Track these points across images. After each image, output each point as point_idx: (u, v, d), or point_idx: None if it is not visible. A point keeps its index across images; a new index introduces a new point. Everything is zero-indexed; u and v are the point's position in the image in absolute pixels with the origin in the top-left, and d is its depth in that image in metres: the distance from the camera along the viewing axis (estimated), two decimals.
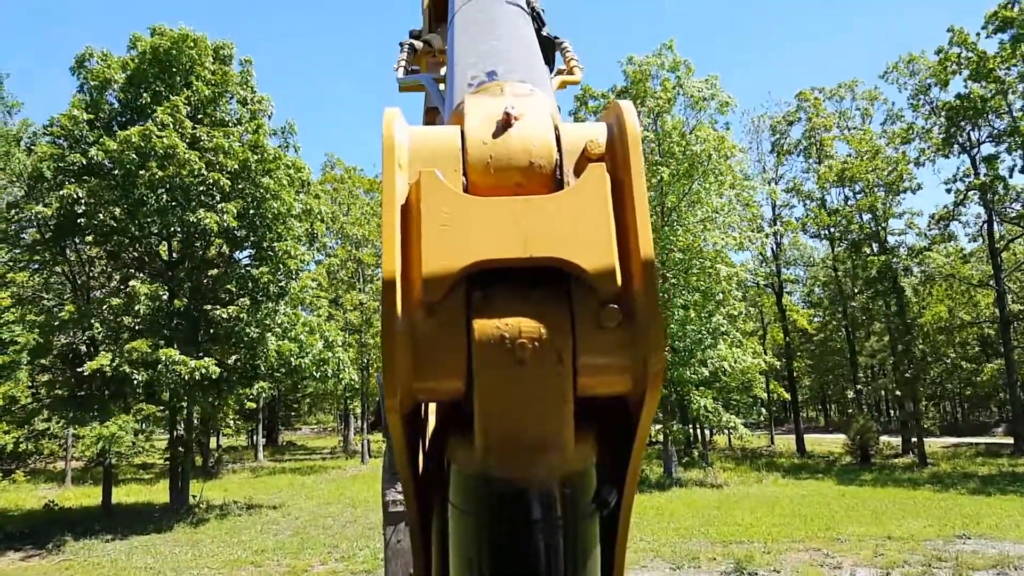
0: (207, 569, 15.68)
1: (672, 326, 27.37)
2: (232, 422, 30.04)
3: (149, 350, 19.16)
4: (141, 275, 22.17)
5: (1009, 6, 31.08)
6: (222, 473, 36.12)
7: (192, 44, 22.38)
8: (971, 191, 35.04)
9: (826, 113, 44.60)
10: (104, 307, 20.44)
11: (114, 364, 18.99)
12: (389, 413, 0.90)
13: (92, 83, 22.03)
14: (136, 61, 22.08)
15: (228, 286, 22.18)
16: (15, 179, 24.21)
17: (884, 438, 40.69)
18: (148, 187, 20.69)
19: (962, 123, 34.25)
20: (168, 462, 24.17)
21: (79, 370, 19.63)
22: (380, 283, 0.91)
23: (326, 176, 47.04)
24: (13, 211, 22.46)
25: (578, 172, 0.99)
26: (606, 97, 32.11)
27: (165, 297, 21.18)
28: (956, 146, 35.39)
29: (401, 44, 2.91)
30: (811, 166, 44.83)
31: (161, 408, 22.45)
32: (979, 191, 34.40)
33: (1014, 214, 35.32)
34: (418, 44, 2.98)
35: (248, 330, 21.54)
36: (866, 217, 39.79)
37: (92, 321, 20.30)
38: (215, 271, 22.80)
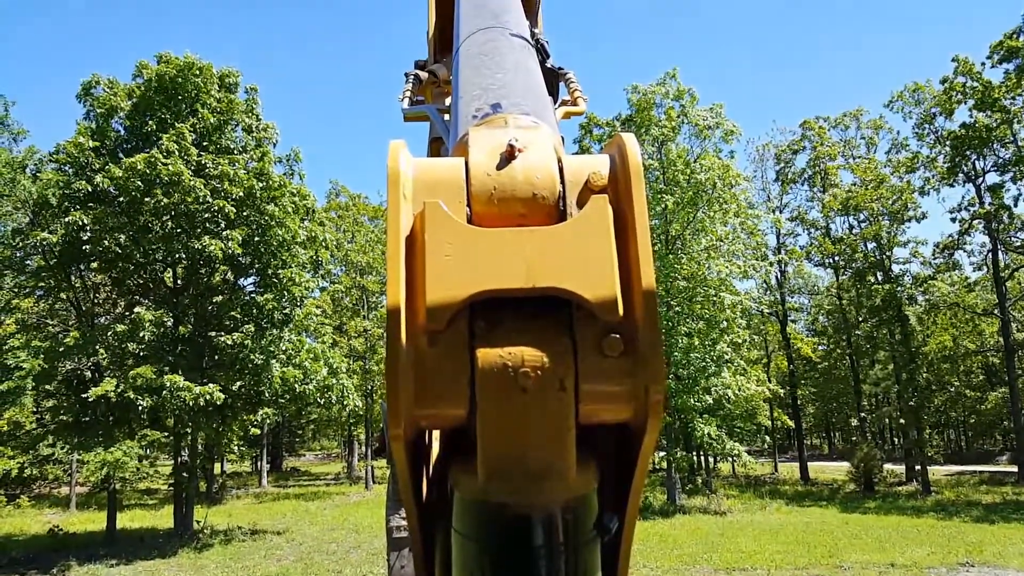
0: None
1: (676, 354, 27.25)
2: (236, 448, 29.85)
3: (154, 376, 19.14)
4: (146, 302, 22.23)
5: (1015, 36, 31.32)
6: (226, 499, 35.86)
7: (198, 72, 22.65)
8: (976, 220, 35.02)
9: (831, 142, 44.76)
10: (109, 333, 20.45)
11: (119, 390, 18.96)
12: (393, 440, 0.91)
13: (98, 110, 22.28)
14: (142, 89, 22.33)
15: (233, 313, 22.20)
16: (20, 206, 24.36)
17: (888, 466, 40.29)
18: (153, 214, 20.82)
19: (967, 152, 34.31)
20: (172, 488, 24.02)
21: (84, 396, 19.60)
22: (385, 311, 0.93)
23: (331, 203, 47.27)
24: (18, 238, 22.57)
25: (581, 203, 1.00)
26: (611, 126, 32.32)
27: (170, 324, 21.22)
28: (961, 175, 35.43)
29: (406, 75, 2.94)
30: (816, 195, 44.92)
31: (166, 434, 22.37)
32: (984, 220, 34.38)
33: (1019, 243, 35.27)
34: (423, 75, 3.01)
35: (252, 356, 21.52)
36: (871, 246, 39.76)
37: (97, 347, 20.32)
38: (220, 298, 22.84)
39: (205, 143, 22.76)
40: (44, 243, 20.91)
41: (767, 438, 39.95)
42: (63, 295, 23.56)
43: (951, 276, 38.99)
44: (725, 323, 27.80)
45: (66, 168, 21.55)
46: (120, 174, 20.26)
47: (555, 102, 2.55)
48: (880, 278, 38.87)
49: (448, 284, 0.89)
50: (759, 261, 33.12)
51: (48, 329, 23.48)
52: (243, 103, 24.09)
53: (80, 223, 20.35)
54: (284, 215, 22.68)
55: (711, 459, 40.89)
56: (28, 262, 23.22)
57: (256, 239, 22.30)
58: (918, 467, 36.36)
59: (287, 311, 22.73)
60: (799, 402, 48.55)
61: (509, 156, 1.04)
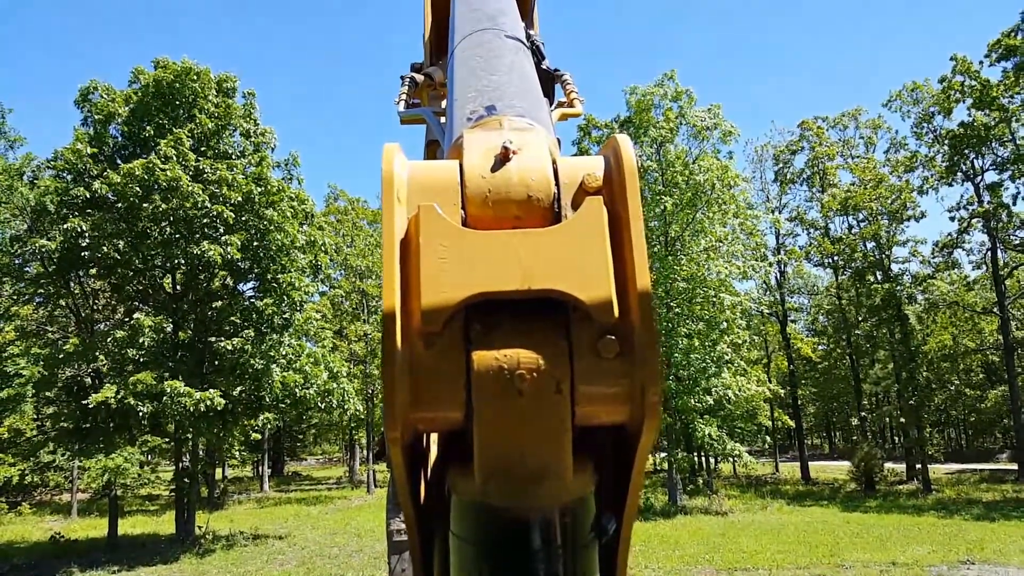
0: None
1: (676, 355, 27.26)
2: (238, 453, 29.83)
3: (154, 382, 19.13)
4: (145, 307, 22.22)
5: (1013, 35, 31.34)
6: (228, 504, 35.81)
7: (195, 77, 22.65)
8: (975, 219, 35.04)
9: (829, 142, 44.77)
10: (108, 340, 20.44)
11: (119, 396, 18.95)
12: (390, 444, 0.91)
13: (96, 116, 22.27)
14: (139, 94, 22.33)
15: (232, 318, 22.18)
16: (18, 213, 24.36)
17: (888, 465, 40.28)
18: (152, 220, 20.81)
19: (966, 151, 34.32)
20: (173, 493, 23.99)
21: (84, 402, 19.59)
22: (383, 314, 0.93)
23: (330, 208, 47.27)
24: (17, 245, 22.56)
25: (576, 205, 1.00)
26: (609, 127, 32.34)
27: (169, 329, 21.20)
28: (960, 174, 35.44)
29: (402, 78, 2.95)
30: (814, 195, 44.93)
31: (166, 440, 22.36)
32: (983, 219, 34.39)
33: (1018, 241, 35.28)
34: (419, 77, 3.01)
35: (253, 361, 21.50)
36: (870, 245, 39.77)
37: (97, 354, 20.30)
38: (219, 303, 22.83)
39: (203, 148, 22.76)
40: (43, 250, 20.91)
41: (768, 438, 39.94)
42: (62, 302, 23.55)
43: (950, 275, 38.99)
44: (725, 324, 27.81)
45: (64, 175, 21.54)
46: (118, 180, 20.26)
47: (551, 104, 2.55)
48: (879, 277, 38.88)
49: (443, 286, 0.89)
50: (758, 262, 33.14)
51: (48, 336, 23.47)
52: (241, 108, 24.09)
53: (79, 229, 20.34)
54: (283, 220, 22.66)
55: (712, 460, 40.88)
56: (27, 269, 23.22)
57: (255, 244, 22.29)
58: (919, 466, 36.37)
59: (287, 316, 22.70)
60: (799, 402, 48.52)
61: (504, 158, 1.04)
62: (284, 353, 22.59)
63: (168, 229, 21.20)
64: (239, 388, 21.80)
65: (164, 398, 19.00)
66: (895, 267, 39.75)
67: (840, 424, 65.31)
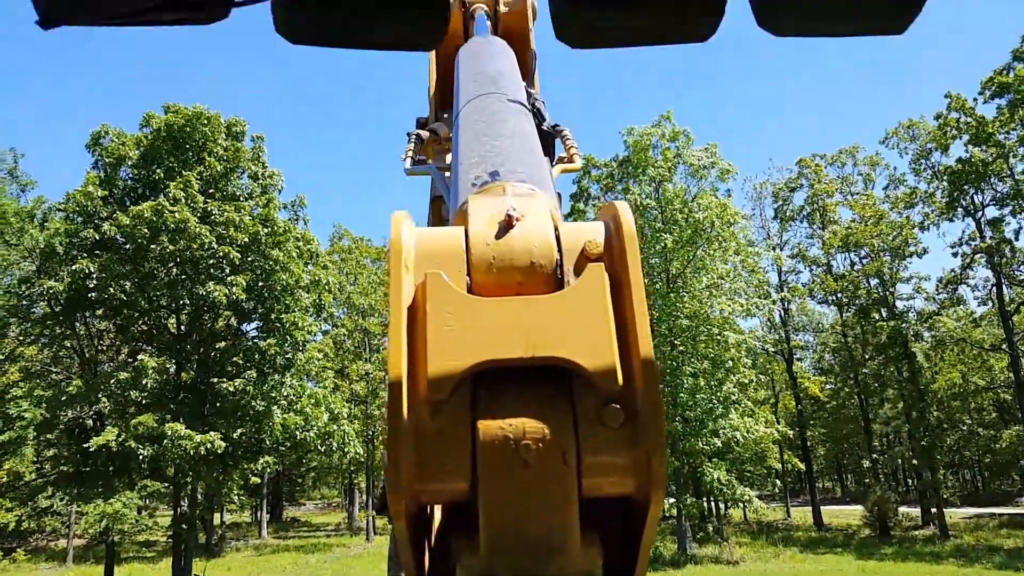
0: None
1: (682, 395, 27.07)
2: (236, 498, 29.51)
3: (155, 424, 19.05)
4: (149, 348, 22.26)
5: (1004, 72, 31.78)
6: (225, 551, 35.27)
7: (206, 121, 23.07)
8: (978, 254, 35.08)
9: (828, 179, 45.11)
10: (112, 381, 20.43)
11: (120, 439, 18.85)
12: (395, 517, 0.90)
13: (107, 160, 22.63)
14: (150, 138, 22.72)
15: (235, 358, 22.21)
16: (27, 255, 24.58)
17: (903, 508, 39.54)
18: (159, 261, 20.99)
19: (965, 187, 34.52)
20: (171, 539, 23.66)
21: (85, 445, 19.48)
22: (386, 353, 0.95)
23: (334, 247, 47.62)
24: (25, 286, 22.73)
25: (578, 271, 1.03)
26: (608, 166, 32.71)
27: (172, 370, 21.20)
28: (960, 209, 35.58)
29: (408, 135, 3.08)
30: (815, 232, 45.10)
31: (165, 484, 22.15)
32: (986, 254, 34.43)
33: (1023, 277, 35.26)
34: (424, 134, 3.16)
35: (254, 403, 21.45)
36: (873, 282, 39.77)
37: (99, 395, 20.27)
38: (223, 344, 22.87)
39: (211, 190, 23.05)
40: (50, 291, 21.06)
41: (778, 482, 39.38)
42: (67, 343, 23.61)
43: (956, 311, 38.87)
44: (730, 362, 27.65)
45: (74, 217, 21.80)
46: (127, 222, 20.50)
47: (552, 160, 2.64)
48: (884, 315, 38.76)
49: (450, 354, 0.90)
50: (761, 299, 33.10)
51: (51, 377, 23.47)
52: (250, 151, 24.48)
53: (87, 271, 20.52)
54: (288, 260, 22.85)
55: (722, 505, 40.32)
56: (34, 310, 23.34)
57: (260, 284, 22.45)
58: (934, 509, 35.68)
59: (289, 356, 22.73)
60: (809, 443, 47.92)
61: (507, 225, 1.07)
62: (285, 394, 22.56)
63: (175, 270, 21.37)
64: (240, 430, 21.69)
65: (165, 441, 18.90)
66: (900, 304, 39.67)
67: (851, 466, 64.46)
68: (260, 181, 24.68)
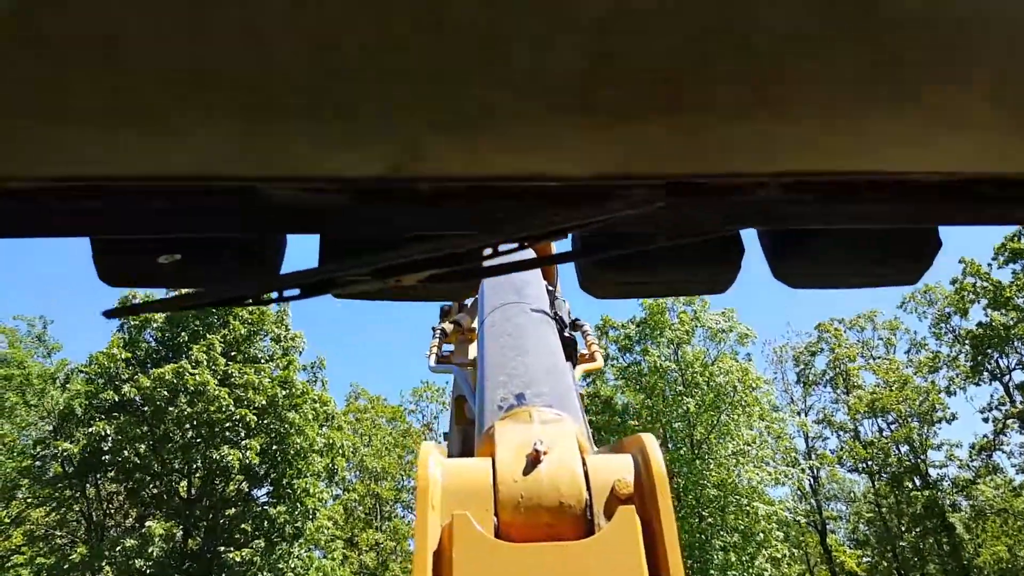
0: None
1: (712, 572, 25.51)
2: None
3: None
4: (158, 513, 21.67)
5: (1016, 238, 32.40)
6: None
7: None
8: (1009, 419, 34.16)
9: (848, 343, 44.95)
10: (117, 548, 19.71)
11: None
12: None
13: (132, 322, 23.11)
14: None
15: (244, 525, 21.49)
16: (46, 415, 24.60)
17: None
18: (175, 423, 20.89)
19: (988, 351, 34.25)
20: None
21: None
22: (397, 522, 0.89)
23: (349, 407, 47.31)
24: (39, 447, 22.52)
25: (608, 512, 1.03)
26: (625, 328, 32.94)
27: (179, 537, 20.48)
28: (986, 373, 35.08)
29: (433, 329, 3.22)
30: (840, 396, 44.34)
31: None
32: (1018, 419, 33.52)
33: None
34: (448, 327, 3.27)
35: (260, 575, 20.45)
36: (903, 449, 38.53)
37: (103, 563, 19.47)
38: (232, 510, 22.21)
39: (233, 352, 23.31)
40: (64, 453, 20.80)
41: None
42: (76, 506, 23.04)
43: (994, 479, 37.25)
44: (761, 535, 26.29)
45: (95, 378, 21.97)
46: (148, 384, 20.60)
47: (575, 360, 2.70)
48: (918, 483, 37.21)
49: None
50: (789, 467, 32.05)
51: (55, 541, 22.68)
52: (274, 314, 24.97)
53: (103, 433, 20.41)
54: (304, 423, 22.68)
55: None
56: (46, 470, 22.95)
57: (274, 448, 22.15)
58: None
59: (299, 524, 21.96)
60: None
61: (535, 460, 1.08)
62: (293, 566, 21.54)
63: (190, 432, 21.22)
64: None
65: None
66: (933, 472, 38.12)
67: None
68: (282, 343, 24.98)
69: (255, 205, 1.05)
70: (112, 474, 22.43)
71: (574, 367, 2.74)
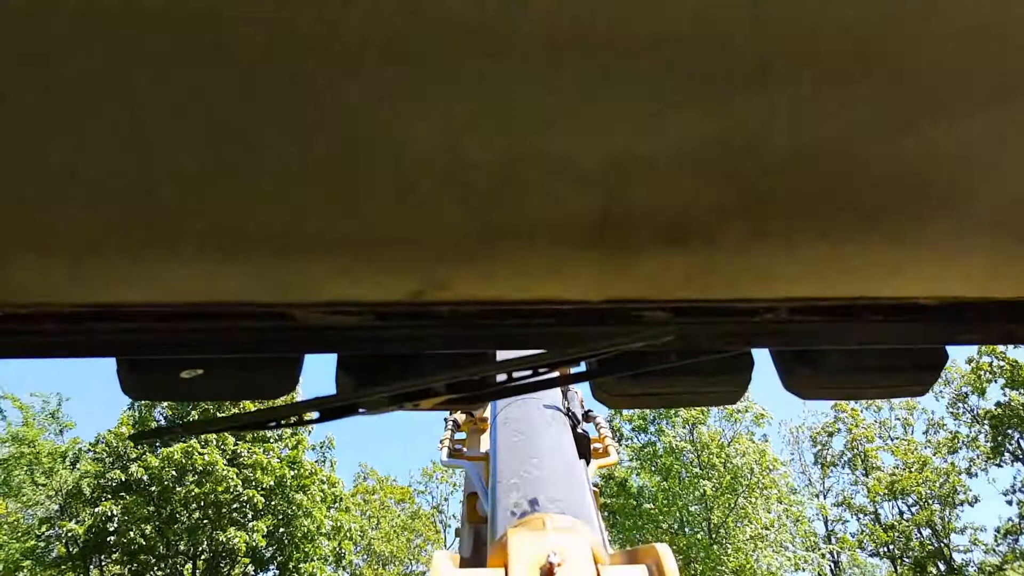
0: None
1: None
2: None
3: None
4: None
5: None
6: None
7: None
8: None
9: (866, 423, 44.06)
10: None
11: None
12: None
13: (143, 401, 23.05)
14: None
15: None
16: (53, 494, 24.23)
17: None
18: (182, 504, 20.52)
19: (1008, 431, 33.50)
20: None
21: None
22: None
23: (358, 487, 46.36)
24: (44, 527, 22.10)
25: None
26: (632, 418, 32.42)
27: None
28: (1007, 454, 34.20)
29: (446, 420, 3.22)
30: (858, 478, 43.15)
31: None
32: None
33: None
34: (460, 419, 3.29)
35: None
36: (926, 532, 37.19)
37: None
38: None
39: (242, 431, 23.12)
40: (69, 533, 20.40)
41: None
42: None
43: (1023, 565, 35.75)
44: None
45: (104, 457, 21.74)
46: (156, 463, 20.37)
47: (588, 454, 2.71)
48: (942, 568, 35.74)
49: None
50: (809, 552, 30.97)
51: None
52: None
53: (109, 513, 20.04)
54: (312, 504, 22.23)
55: None
56: (51, 551, 22.44)
57: (281, 530, 21.64)
58: None
59: None
60: None
61: (549, 573, 1.10)
62: None
63: (197, 513, 20.80)
64: None
65: None
66: (957, 556, 36.65)
67: None
68: None
69: (280, 328, 1.10)
70: (116, 555, 21.89)
71: (588, 464, 2.76)
